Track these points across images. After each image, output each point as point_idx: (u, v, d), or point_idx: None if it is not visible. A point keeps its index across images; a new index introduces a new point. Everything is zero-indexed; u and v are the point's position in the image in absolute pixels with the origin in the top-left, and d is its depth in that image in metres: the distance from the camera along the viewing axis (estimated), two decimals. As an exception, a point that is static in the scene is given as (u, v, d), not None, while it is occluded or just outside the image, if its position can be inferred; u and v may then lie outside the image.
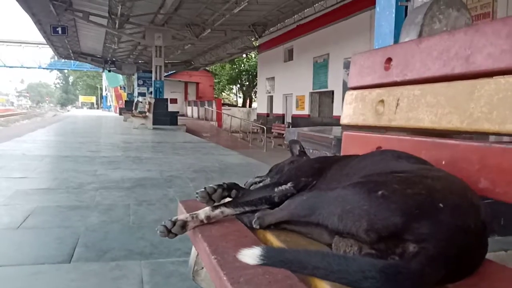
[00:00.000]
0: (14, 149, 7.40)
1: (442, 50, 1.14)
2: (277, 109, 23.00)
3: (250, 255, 0.80)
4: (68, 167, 5.67)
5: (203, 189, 1.13)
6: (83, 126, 17.38)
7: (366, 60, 1.51)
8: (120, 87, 41.43)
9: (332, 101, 17.42)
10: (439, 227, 0.77)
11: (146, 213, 3.44)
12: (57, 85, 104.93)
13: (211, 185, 1.15)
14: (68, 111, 63.69)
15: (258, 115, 25.55)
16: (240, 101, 44.25)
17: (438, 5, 1.81)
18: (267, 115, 24.19)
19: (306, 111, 19.51)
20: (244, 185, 1.52)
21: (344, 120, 1.58)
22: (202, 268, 1.20)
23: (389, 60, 1.39)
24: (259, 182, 1.48)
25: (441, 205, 0.79)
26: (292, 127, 18.64)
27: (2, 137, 9.63)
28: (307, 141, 3.62)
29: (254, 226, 1.04)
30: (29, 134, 11.16)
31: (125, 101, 32.20)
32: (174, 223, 1.08)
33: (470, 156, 1.00)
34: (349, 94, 1.58)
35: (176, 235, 1.09)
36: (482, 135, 0.97)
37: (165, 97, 20.64)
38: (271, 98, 24.22)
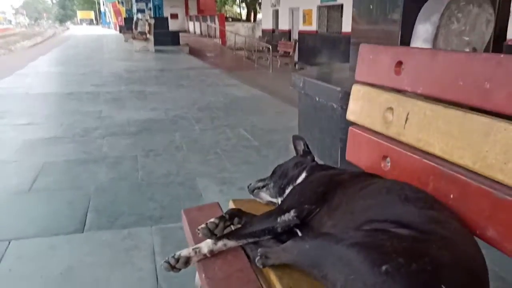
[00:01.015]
0: (17, 86, 7.32)
1: (459, 73, 1.03)
2: (283, 25, 22.01)
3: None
4: (73, 108, 5.65)
5: (204, 226, 1.12)
6: (84, 50, 16.96)
7: (375, 56, 1.38)
8: (118, 1, 39.56)
9: (341, 16, 16.57)
10: None
11: (153, 166, 3.48)
12: (54, 0, 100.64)
13: (212, 220, 1.13)
14: (68, 28, 61.71)
15: (263, 31, 24.55)
16: (243, 12, 42.31)
17: (457, 3, 1.59)
18: (273, 31, 23.24)
19: (313, 27, 18.67)
20: (248, 188, 1.50)
21: (350, 116, 1.50)
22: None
23: (399, 63, 1.27)
24: (263, 186, 1.46)
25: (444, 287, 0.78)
26: (299, 44, 18.01)
27: (3, 69, 9.49)
28: (314, 90, 3.51)
29: (257, 264, 1.05)
30: (30, 64, 10.96)
31: (124, 18, 30.94)
32: (177, 260, 1.09)
33: (480, 200, 0.96)
34: (357, 89, 1.47)
35: (180, 269, 1.10)
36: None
37: (165, 12, 19.69)
38: (276, 13, 23.07)
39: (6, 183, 3.09)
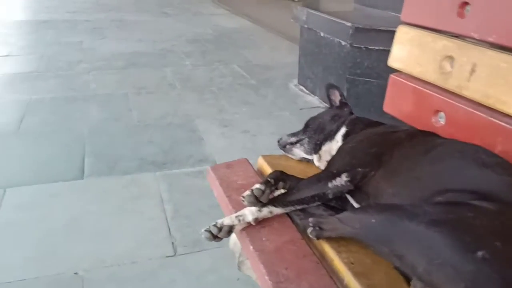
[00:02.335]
0: (-16, 12, 6.71)
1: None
2: None
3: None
4: (51, 38, 5.22)
5: (249, 193, 0.99)
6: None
7: (432, -7, 1.21)
8: None
9: None
10: None
11: (147, 105, 3.29)
12: None
13: (257, 186, 1.01)
14: None
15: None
16: None
17: None
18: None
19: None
20: (278, 142, 1.37)
21: (394, 63, 1.34)
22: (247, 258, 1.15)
23: (464, 4, 1.11)
24: (296, 142, 1.32)
25: None
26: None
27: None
28: (319, 25, 3.28)
29: (309, 235, 0.95)
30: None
31: None
32: (220, 229, 0.98)
33: None
34: (403, 32, 1.30)
35: (222, 238, 1.00)
36: None
37: None
38: None
39: (-10, 123, 2.87)
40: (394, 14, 2.83)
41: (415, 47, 1.26)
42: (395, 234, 0.82)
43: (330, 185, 1.02)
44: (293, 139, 1.33)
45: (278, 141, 1.36)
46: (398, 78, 1.34)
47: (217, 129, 2.92)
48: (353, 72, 2.99)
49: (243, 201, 1.00)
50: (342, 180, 1.02)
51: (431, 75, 1.20)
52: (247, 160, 1.33)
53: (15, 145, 2.61)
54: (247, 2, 10.40)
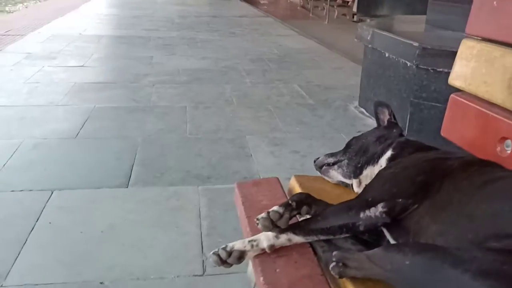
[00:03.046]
0: (70, 27, 7.27)
1: None
2: (343, -29, 20.55)
3: None
4: (124, 52, 5.51)
5: (265, 215, 0.88)
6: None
7: (502, 2, 1.03)
8: None
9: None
10: None
11: (202, 119, 3.29)
12: None
13: (275, 209, 0.89)
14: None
15: (321, -22, 23.13)
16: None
17: None
18: (331, -22, 21.80)
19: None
20: (315, 162, 1.24)
21: (455, 82, 1.17)
22: None
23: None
24: (334, 163, 1.19)
25: None
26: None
27: (58, 9, 9.49)
28: (384, 44, 3.10)
29: (332, 272, 0.81)
30: (85, 4, 10.92)
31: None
32: (229, 254, 0.87)
33: None
34: (467, 46, 1.13)
35: (232, 264, 0.89)
36: None
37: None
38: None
39: (55, 127, 3.01)
40: (467, 34, 2.59)
41: (481, 63, 1.08)
42: (433, 281, 0.67)
43: (362, 215, 0.87)
44: (331, 160, 1.19)
45: (315, 161, 1.23)
46: (459, 98, 1.16)
47: (267, 147, 2.83)
48: (419, 96, 2.76)
49: (257, 224, 0.88)
50: (377, 210, 0.87)
51: (498, 96, 1.01)
52: (278, 180, 1.22)
53: (70, 149, 2.71)
54: (318, 24, 10.36)
